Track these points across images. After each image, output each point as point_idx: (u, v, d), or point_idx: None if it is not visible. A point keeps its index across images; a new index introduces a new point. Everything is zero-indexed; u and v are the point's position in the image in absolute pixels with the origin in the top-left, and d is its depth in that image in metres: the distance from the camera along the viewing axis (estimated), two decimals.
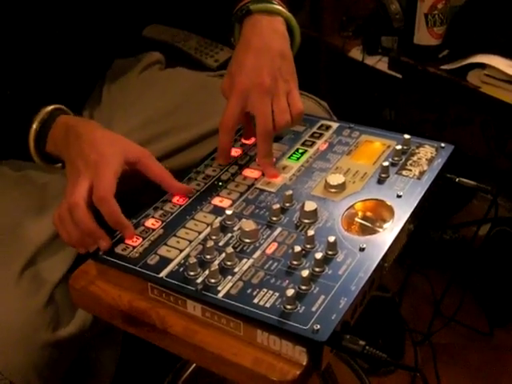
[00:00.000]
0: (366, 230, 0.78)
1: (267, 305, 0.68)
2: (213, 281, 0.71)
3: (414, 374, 1.49)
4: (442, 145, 0.93)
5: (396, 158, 0.90)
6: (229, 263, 0.73)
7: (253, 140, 0.96)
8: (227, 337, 0.70)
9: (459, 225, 1.92)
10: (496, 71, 1.33)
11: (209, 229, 0.79)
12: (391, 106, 2.06)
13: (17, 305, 0.85)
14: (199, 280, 0.72)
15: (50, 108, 0.87)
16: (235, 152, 0.93)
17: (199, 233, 0.79)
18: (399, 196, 0.83)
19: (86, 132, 0.83)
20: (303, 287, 0.69)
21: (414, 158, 0.90)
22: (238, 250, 0.76)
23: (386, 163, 0.87)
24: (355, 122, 0.99)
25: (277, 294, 0.69)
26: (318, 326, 0.65)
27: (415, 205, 0.82)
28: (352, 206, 0.82)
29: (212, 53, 1.38)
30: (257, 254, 0.75)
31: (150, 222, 0.81)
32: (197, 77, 1.17)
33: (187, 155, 1.07)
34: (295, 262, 0.73)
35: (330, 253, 0.74)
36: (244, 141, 0.96)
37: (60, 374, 0.94)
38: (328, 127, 0.99)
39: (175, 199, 0.85)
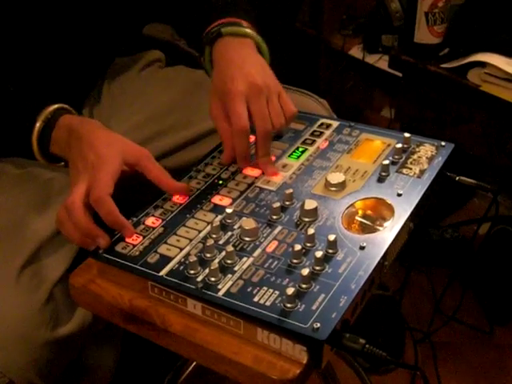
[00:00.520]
0: (366, 229, 0.78)
1: (267, 303, 0.68)
2: (213, 279, 0.71)
3: (414, 372, 1.49)
4: (443, 143, 0.93)
5: (396, 157, 0.90)
6: (229, 261, 0.73)
7: (252, 139, 0.95)
8: (227, 335, 0.70)
9: (459, 223, 1.92)
10: (496, 70, 1.33)
11: (209, 227, 0.79)
12: (391, 105, 2.06)
13: (17, 302, 0.85)
14: (199, 278, 0.72)
15: (53, 107, 0.87)
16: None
17: (199, 231, 0.79)
18: (399, 194, 0.83)
19: (86, 133, 0.84)
20: (303, 286, 0.69)
21: (415, 157, 0.90)
22: (238, 248, 0.76)
23: (386, 162, 0.87)
24: (355, 121, 1.00)
25: (277, 293, 0.69)
26: (318, 325, 0.65)
27: (415, 203, 0.82)
28: (352, 205, 0.82)
29: None
30: (257, 253, 0.75)
31: (150, 221, 0.81)
32: (197, 75, 1.17)
33: (187, 153, 1.07)
34: (295, 261, 0.73)
35: (330, 251, 0.74)
36: None
37: (60, 371, 0.94)
38: (328, 126, 0.99)
39: (175, 198, 0.85)
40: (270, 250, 0.75)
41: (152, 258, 0.75)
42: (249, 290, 0.70)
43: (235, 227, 0.79)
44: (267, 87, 0.87)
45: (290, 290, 0.67)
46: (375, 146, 0.94)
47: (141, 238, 0.78)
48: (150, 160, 0.84)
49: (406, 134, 0.92)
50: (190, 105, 1.10)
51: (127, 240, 0.78)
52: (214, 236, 0.78)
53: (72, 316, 0.91)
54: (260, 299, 0.68)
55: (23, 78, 0.97)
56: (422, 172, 0.87)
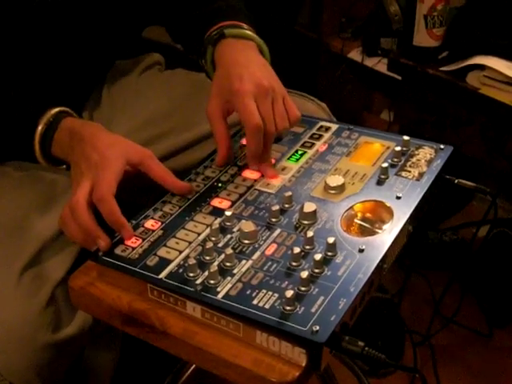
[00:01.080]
0: (365, 231, 0.78)
1: (266, 306, 0.68)
2: (212, 282, 0.71)
3: (413, 375, 1.49)
4: (442, 146, 0.93)
5: (395, 160, 0.90)
6: (228, 264, 0.73)
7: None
8: (227, 338, 0.70)
9: (458, 226, 1.92)
10: (495, 73, 1.34)
11: (208, 230, 0.79)
12: (390, 108, 2.06)
13: (17, 305, 0.85)
14: (199, 281, 0.72)
15: (54, 110, 0.87)
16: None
17: (199, 234, 0.79)
18: (398, 197, 0.83)
19: (88, 135, 0.84)
20: (302, 288, 0.69)
21: (414, 160, 0.90)
22: (237, 251, 0.76)
23: (385, 164, 0.87)
24: (354, 124, 1.00)
25: (276, 295, 0.69)
26: (318, 327, 0.65)
27: (414, 206, 0.82)
28: (351, 208, 0.82)
29: None
30: (256, 255, 0.75)
31: (149, 223, 0.81)
32: (196, 78, 1.17)
33: (187, 156, 1.07)
34: (294, 263, 0.73)
35: (329, 254, 0.74)
36: (243, 142, 0.96)
37: (60, 374, 0.94)
38: (327, 128, 0.99)
39: (175, 200, 0.85)
40: (269, 252, 0.75)
41: (151, 261, 0.75)
42: (248, 292, 0.70)
43: (234, 230, 0.79)
44: (273, 89, 0.87)
45: (289, 293, 0.67)
46: (374, 148, 0.94)
47: (140, 240, 0.79)
48: (154, 160, 0.84)
49: (405, 137, 0.92)
50: (189, 108, 1.10)
51: (126, 243, 0.78)
52: (213, 239, 0.78)
53: (73, 318, 0.91)
54: (259, 302, 0.69)
55: (24, 81, 0.97)
56: (421, 175, 0.87)
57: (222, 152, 0.89)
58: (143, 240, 0.79)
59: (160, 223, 0.81)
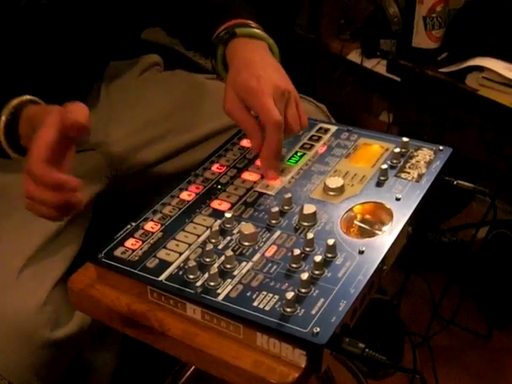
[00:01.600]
0: (364, 233, 0.78)
1: (267, 308, 0.68)
2: (212, 284, 0.71)
3: (412, 376, 1.49)
4: (441, 147, 0.93)
5: (395, 161, 0.90)
6: (228, 266, 0.73)
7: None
8: (227, 339, 0.70)
9: (458, 227, 1.92)
10: (494, 74, 1.34)
11: (208, 232, 0.79)
12: (390, 109, 2.06)
13: (16, 304, 0.85)
14: (199, 283, 0.72)
15: (16, 100, 0.83)
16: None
17: (198, 236, 0.79)
18: (398, 199, 0.83)
19: (36, 118, 0.80)
20: (303, 290, 0.69)
21: (413, 161, 0.90)
22: (237, 252, 0.76)
23: (384, 166, 0.87)
24: (353, 125, 1.00)
25: (276, 297, 0.69)
26: (318, 329, 0.65)
27: (414, 207, 0.82)
28: (351, 209, 0.82)
29: None
30: (256, 257, 0.75)
31: (149, 226, 0.81)
32: (195, 79, 1.17)
33: (186, 158, 1.07)
34: (294, 265, 0.73)
35: (329, 256, 0.74)
36: (242, 144, 0.96)
37: (58, 374, 0.94)
38: (326, 130, 0.99)
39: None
40: (269, 254, 0.75)
41: (151, 263, 0.75)
42: (248, 294, 0.70)
43: (234, 232, 0.79)
44: (288, 93, 0.87)
45: (290, 295, 0.67)
46: (373, 150, 0.94)
47: (140, 242, 0.78)
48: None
49: (405, 139, 0.93)
50: (188, 109, 1.10)
51: (126, 245, 0.78)
52: (213, 241, 0.78)
53: (71, 317, 0.91)
54: (259, 304, 0.69)
55: (19, 79, 0.97)
56: (421, 176, 0.87)
57: (256, 139, 0.87)
58: (143, 242, 0.78)
59: (160, 225, 0.81)
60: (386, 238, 0.77)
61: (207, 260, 0.75)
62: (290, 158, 0.93)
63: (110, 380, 1.09)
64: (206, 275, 0.72)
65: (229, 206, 0.84)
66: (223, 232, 0.79)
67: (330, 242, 0.74)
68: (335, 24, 2.14)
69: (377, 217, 0.81)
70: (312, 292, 0.69)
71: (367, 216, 0.81)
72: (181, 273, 0.73)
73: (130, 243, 0.78)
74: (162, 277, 0.73)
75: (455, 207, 2.00)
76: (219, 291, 0.70)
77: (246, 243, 0.77)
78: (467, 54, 1.41)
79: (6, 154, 0.86)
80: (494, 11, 1.42)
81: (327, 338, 0.64)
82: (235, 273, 0.73)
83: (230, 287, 0.71)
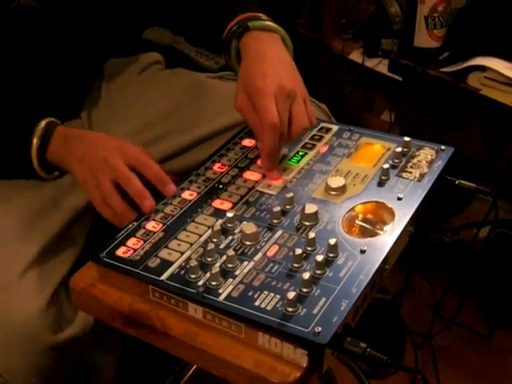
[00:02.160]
0: (366, 233, 0.78)
1: (268, 307, 0.68)
2: (214, 283, 0.71)
3: (414, 376, 1.49)
4: (442, 147, 0.93)
5: (396, 161, 0.90)
6: (230, 266, 0.73)
7: (253, 143, 0.96)
8: (228, 339, 0.70)
9: (459, 227, 1.92)
10: (496, 74, 1.34)
11: (210, 231, 0.79)
12: (391, 109, 2.06)
13: (19, 306, 0.85)
14: (200, 283, 0.72)
15: (44, 122, 0.90)
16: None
17: (200, 235, 0.79)
18: (399, 198, 0.83)
19: (86, 133, 0.88)
20: (304, 290, 0.69)
21: (414, 161, 0.90)
22: (239, 252, 0.76)
23: (386, 165, 0.87)
24: (355, 125, 1.00)
25: (278, 297, 0.69)
26: (320, 329, 0.65)
27: (416, 207, 0.82)
28: (352, 209, 0.82)
29: (213, 55, 1.38)
30: (258, 257, 0.75)
31: (150, 225, 0.81)
32: (196, 78, 1.17)
33: (188, 157, 1.07)
34: (296, 265, 0.73)
35: (330, 255, 0.74)
36: (244, 143, 0.96)
37: (61, 376, 0.94)
38: (328, 130, 0.99)
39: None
40: (270, 254, 0.75)
41: (153, 263, 0.75)
42: (250, 294, 0.70)
43: (236, 231, 0.79)
44: (294, 92, 0.86)
45: (291, 294, 0.67)
46: (375, 149, 0.94)
47: (141, 242, 0.79)
48: (149, 158, 0.88)
49: (406, 138, 0.93)
50: (190, 108, 1.10)
51: (128, 244, 0.78)
52: (214, 240, 0.78)
53: (74, 319, 0.91)
54: (261, 303, 0.69)
55: (19, 82, 0.97)
56: (422, 176, 0.87)
57: (267, 166, 0.88)
58: (144, 242, 0.79)
59: (161, 225, 0.81)
60: (388, 237, 0.77)
61: (209, 259, 0.75)
62: (291, 158, 0.93)
63: (112, 380, 1.09)
64: (208, 275, 0.72)
65: (230, 205, 0.84)
66: (225, 231, 0.79)
67: (332, 241, 0.74)
68: (337, 24, 2.14)
69: (378, 216, 0.81)
70: (314, 291, 0.69)
71: (369, 215, 0.81)
72: (182, 272, 0.73)
73: (131, 243, 0.78)
74: (164, 276, 0.73)
75: (457, 207, 2.00)
76: (221, 291, 0.70)
77: (248, 243, 0.77)
78: (469, 53, 1.41)
79: (35, 174, 0.92)
80: (496, 11, 1.42)
81: (329, 338, 0.64)
82: (237, 272, 0.73)
83: (231, 287, 0.71)
